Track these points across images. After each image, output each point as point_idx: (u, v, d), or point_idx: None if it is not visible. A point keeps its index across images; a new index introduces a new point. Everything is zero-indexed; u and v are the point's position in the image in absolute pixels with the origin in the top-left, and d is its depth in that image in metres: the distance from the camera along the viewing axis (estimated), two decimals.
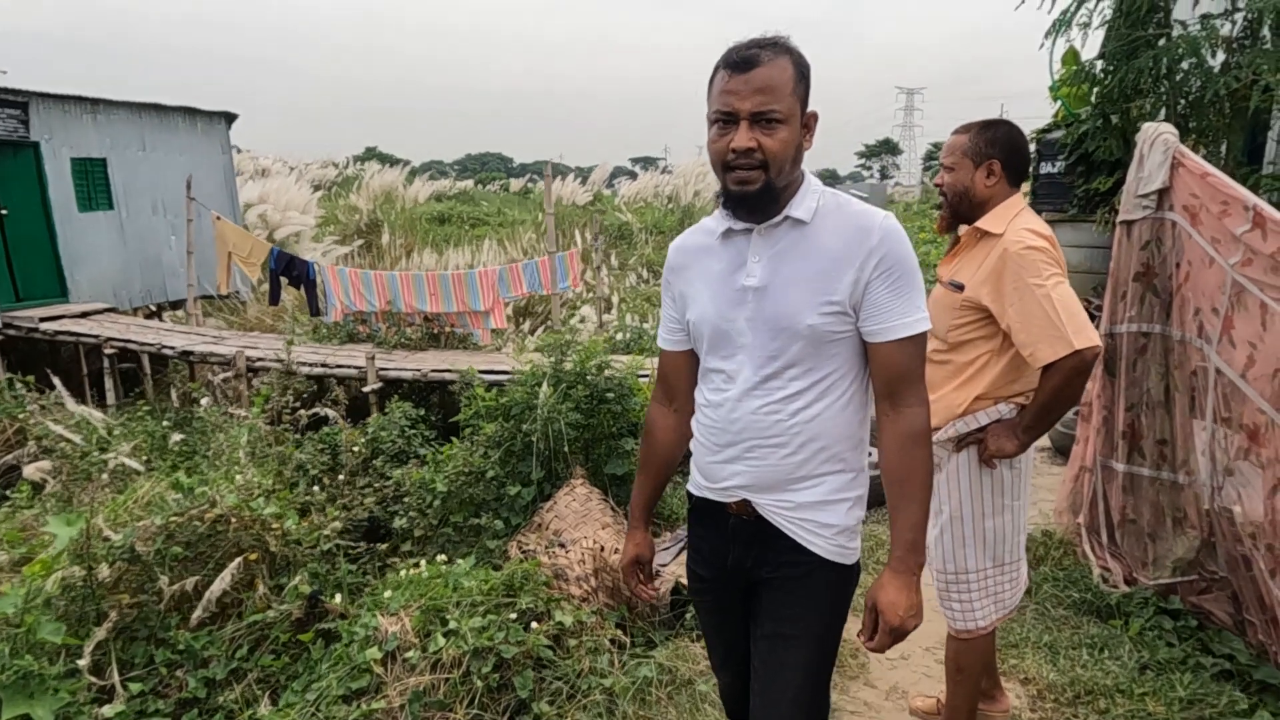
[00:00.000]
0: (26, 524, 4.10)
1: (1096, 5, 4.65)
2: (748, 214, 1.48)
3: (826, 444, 1.51)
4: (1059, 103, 8.31)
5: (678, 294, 1.65)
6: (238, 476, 3.93)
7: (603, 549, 3.24)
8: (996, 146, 2.13)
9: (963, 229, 2.24)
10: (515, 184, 32.76)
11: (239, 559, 3.23)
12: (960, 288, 2.13)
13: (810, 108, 1.46)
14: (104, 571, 2.99)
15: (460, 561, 3.29)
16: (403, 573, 3.05)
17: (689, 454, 1.74)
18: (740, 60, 1.40)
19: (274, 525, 3.43)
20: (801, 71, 1.42)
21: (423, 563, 3.08)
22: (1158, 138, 2.88)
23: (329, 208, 19.60)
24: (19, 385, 6.13)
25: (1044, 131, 8.41)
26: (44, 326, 8.02)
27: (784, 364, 1.48)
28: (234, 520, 3.36)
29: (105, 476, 4.35)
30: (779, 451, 1.51)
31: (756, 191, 1.43)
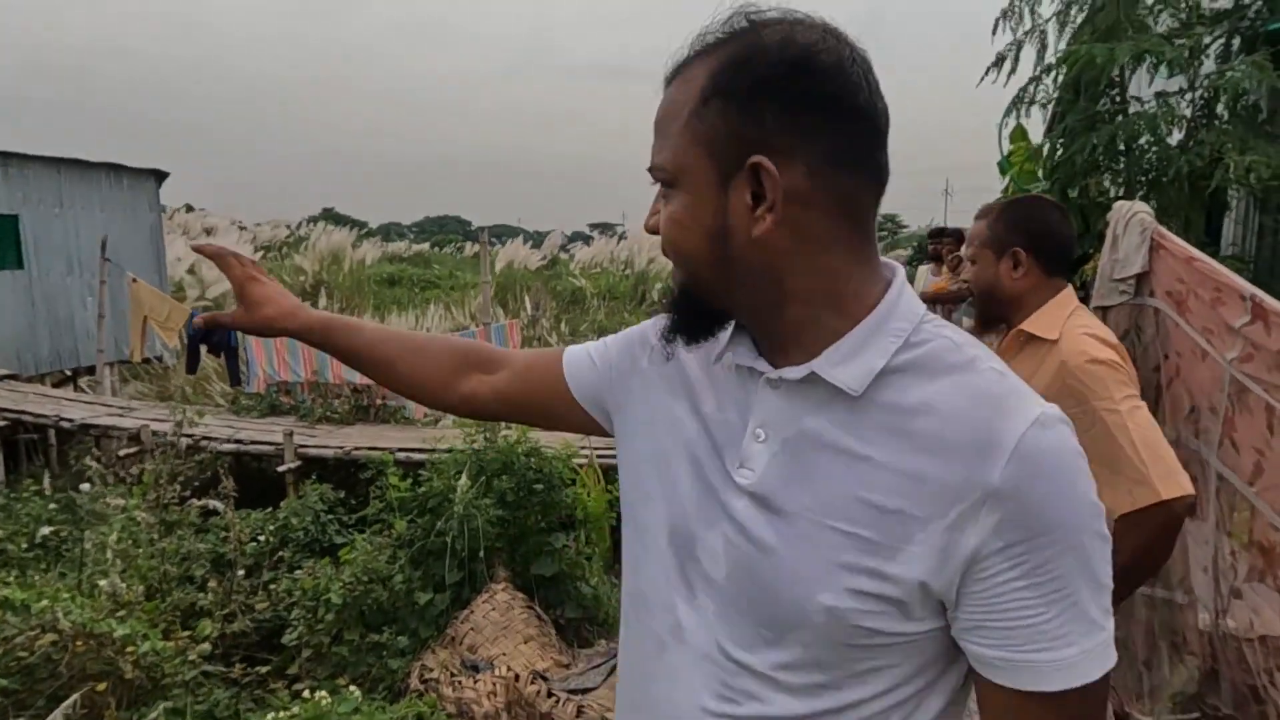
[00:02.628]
0: None
1: (1055, 80, 4.53)
2: (689, 338, 0.82)
3: None
4: (1008, 178, 8.33)
5: (641, 397, 0.93)
6: (102, 581, 3.38)
7: (518, 678, 2.77)
8: (1019, 231, 1.75)
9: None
10: (472, 247, 32.52)
11: (79, 694, 2.69)
12: None
13: (769, 151, 0.70)
14: None
15: (349, 691, 2.79)
16: (270, 717, 2.54)
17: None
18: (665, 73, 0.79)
19: (129, 648, 2.90)
20: (720, 83, 0.71)
21: (297, 706, 2.57)
22: (1133, 217, 2.62)
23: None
24: None
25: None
26: None
27: (774, 663, 0.77)
28: (78, 644, 2.82)
29: None
30: None
31: (672, 301, 0.81)
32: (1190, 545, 2.42)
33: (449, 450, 4.02)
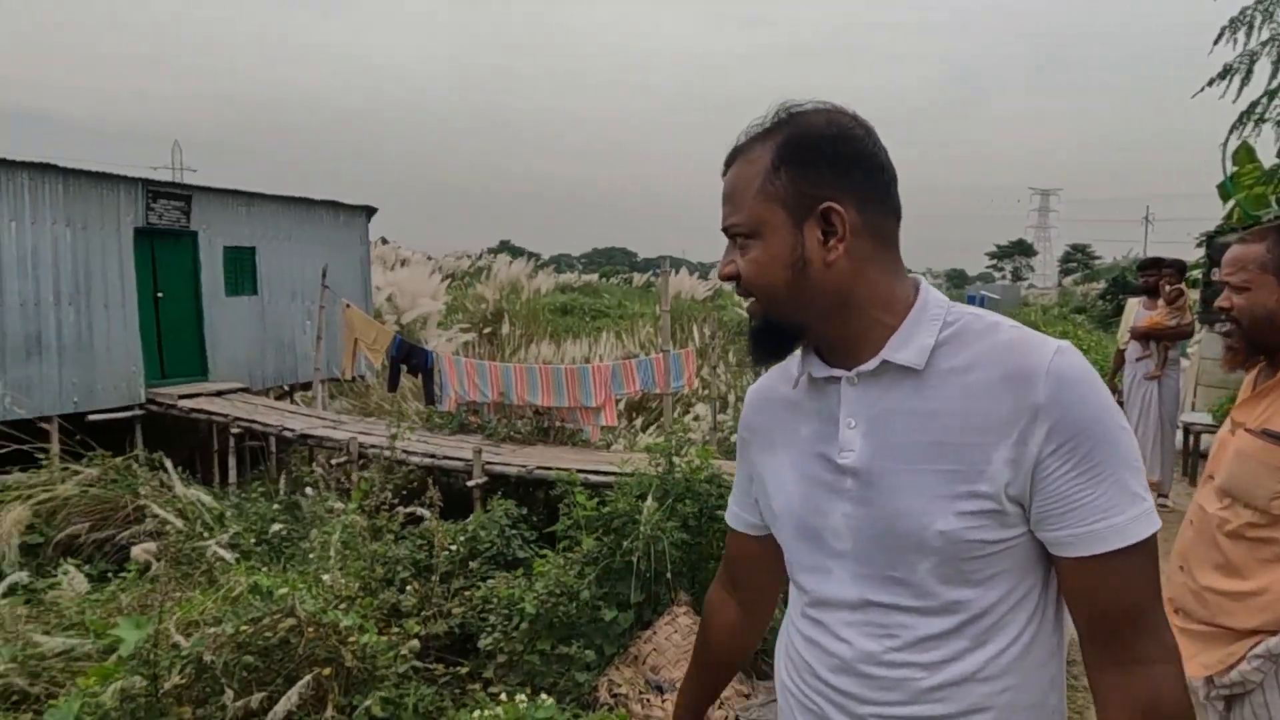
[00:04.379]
0: (131, 607, 4.03)
1: None
2: (758, 356, 1.05)
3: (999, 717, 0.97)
4: (1232, 202, 7.53)
5: (754, 463, 1.15)
6: (325, 577, 3.73)
7: None
8: None
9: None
10: (638, 278, 33.37)
11: (310, 675, 2.98)
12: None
13: (834, 198, 0.94)
14: (168, 682, 2.79)
15: (542, 699, 2.92)
16: (475, 714, 2.69)
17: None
18: (725, 159, 1.03)
19: (351, 638, 3.18)
20: (786, 155, 0.95)
21: (499, 708, 2.71)
22: None
23: (459, 297, 20.36)
24: (146, 461, 6.32)
25: (1215, 234, 7.61)
26: (181, 404, 8.40)
27: (913, 594, 0.95)
28: (310, 630, 3.13)
29: (203, 564, 4.28)
30: None
31: (756, 330, 1.03)
32: None
33: (632, 473, 4.13)
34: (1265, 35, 4.30)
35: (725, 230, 1.01)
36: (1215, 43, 4.51)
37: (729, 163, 1.01)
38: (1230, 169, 6.91)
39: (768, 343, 1.03)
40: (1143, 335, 5.41)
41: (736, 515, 1.24)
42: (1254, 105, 4.35)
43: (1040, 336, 0.94)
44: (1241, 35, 4.38)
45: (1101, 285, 28.14)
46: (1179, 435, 6.37)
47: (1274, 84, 4.30)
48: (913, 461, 0.94)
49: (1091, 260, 48.63)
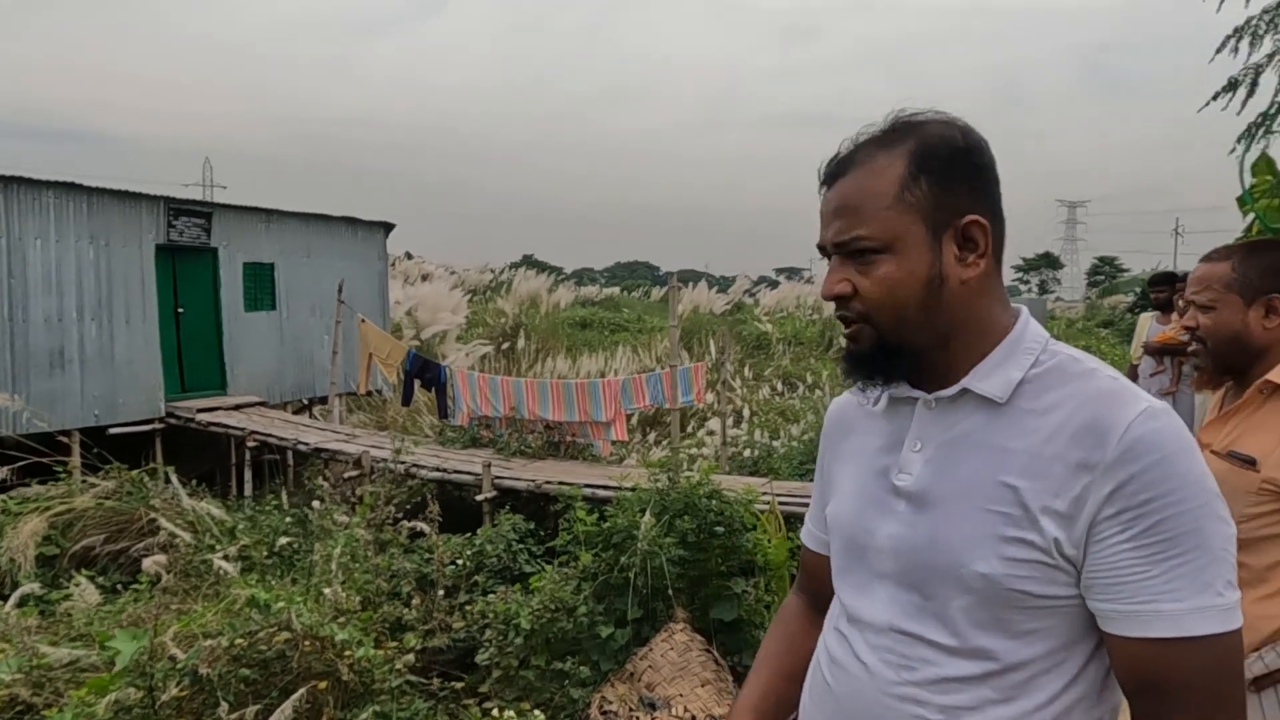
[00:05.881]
0: (136, 619, 4.09)
1: None
2: (865, 378, 0.98)
3: None
4: (1252, 216, 7.41)
5: (826, 474, 1.13)
6: (325, 590, 3.77)
7: (694, 719, 2.77)
8: (1273, 275, 1.60)
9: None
10: (658, 292, 33.40)
11: (305, 689, 3.01)
12: (1250, 462, 1.57)
13: (974, 211, 0.91)
14: (164, 695, 2.83)
15: (534, 715, 2.92)
16: None
17: None
18: (826, 170, 0.96)
19: (347, 652, 3.20)
20: (925, 164, 0.89)
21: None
22: None
23: (479, 311, 20.50)
24: (154, 474, 6.42)
25: None
26: (200, 417, 8.53)
27: (942, 630, 0.90)
28: (306, 643, 3.16)
29: (210, 577, 4.33)
30: None
31: (864, 353, 0.96)
32: None
33: (633, 488, 4.14)
34: (1269, 47, 4.24)
35: (840, 245, 0.93)
36: (1218, 50, 4.45)
37: (837, 173, 0.94)
38: (1249, 181, 6.80)
39: (873, 365, 0.96)
40: (1156, 350, 5.33)
41: (812, 534, 1.19)
42: (1266, 116, 4.28)
43: (1136, 392, 0.86)
44: (1245, 46, 4.32)
45: (1129, 298, 27.76)
46: None
47: None
48: (969, 496, 0.88)
49: (1119, 273, 48.04)
